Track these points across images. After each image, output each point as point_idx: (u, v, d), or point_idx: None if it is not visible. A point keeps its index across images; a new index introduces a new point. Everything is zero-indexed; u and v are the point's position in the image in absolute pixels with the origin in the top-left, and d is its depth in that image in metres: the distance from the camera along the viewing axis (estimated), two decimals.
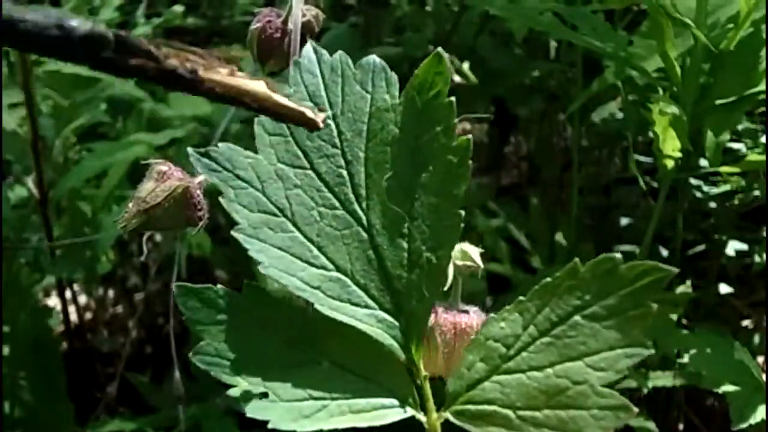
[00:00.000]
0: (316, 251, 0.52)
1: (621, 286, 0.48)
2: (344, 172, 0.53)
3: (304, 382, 0.51)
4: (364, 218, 0.53)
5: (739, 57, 0.85)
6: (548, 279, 0.50)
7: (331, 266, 0.52)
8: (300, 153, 0.52)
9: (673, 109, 0.83)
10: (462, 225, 0.51)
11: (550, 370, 0.49)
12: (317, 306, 0.51)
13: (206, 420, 1.08)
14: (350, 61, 0.53)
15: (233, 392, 0.50)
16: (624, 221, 1.24)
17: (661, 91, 0.90)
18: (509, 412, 0.49)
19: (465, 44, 1.38)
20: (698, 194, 1.04)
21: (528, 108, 1.41)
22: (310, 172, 0.52)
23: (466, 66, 1.47)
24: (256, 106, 0.37)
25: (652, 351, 0.48)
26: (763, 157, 0.86)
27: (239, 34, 1.49)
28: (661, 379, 0.98)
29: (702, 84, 0.87)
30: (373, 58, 0.53)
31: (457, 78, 1.52)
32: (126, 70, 0.34)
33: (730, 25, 0.86)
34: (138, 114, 1.23)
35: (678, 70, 0.86)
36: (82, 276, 1.20)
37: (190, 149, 0.51)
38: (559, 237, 1.20)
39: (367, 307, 0.52)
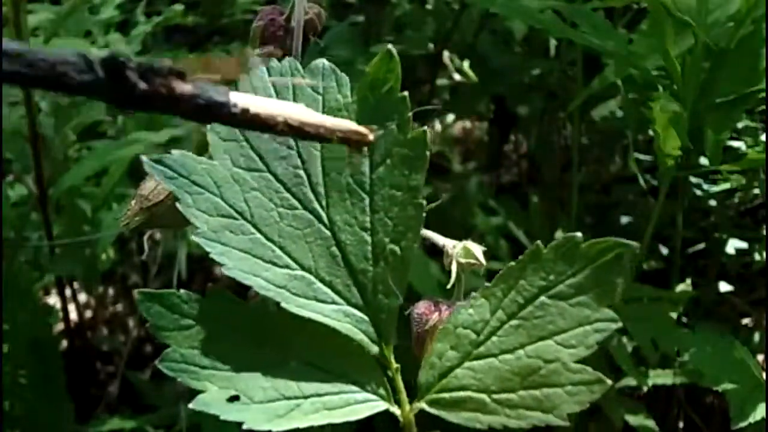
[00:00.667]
0: (278, 251, 0.52)
1: (584, 264, 0.49)
2: (301, 172, 0.53)
3: (275, 383, 0.51)
4: (324, 215, 0.53)
5: (739, 55, 0.85)
6: (512, 263, 0.51)
7: (294, 265, 0.52)
8: (255, 156, 0.53)
9: (674, 108, 0.83)
10: (423, 215, 0.52)
11: (521, 352, 0.50)
12: (283, 305, 0.51)
13: (206, 419, 1.08)
14: (299, 66, 0.54)
15: (203, 398, 0.50)
16: (624, 219, 1.24)
17: (661, 89, 0.90)
18: (484, 397, 0.50)
19: (465, 43, 1.38)
20: (698, 192, 1.04)
21: (528, 106, 1.41)
22: (267, 174, 0.53)
23: (466, 64, 1.47)
24: (301, 128, 0.34)
25: (620, 324, 0.49)
26: (763, 156, 0.86)
27: (239, 33, 1.49)
28: (661, 377, 0.98)
29: (702, 82, 0.87)
30: (322, 62, 0.54)
31: (457, 76, 1.52)
32: (154, 98, 0.31)
33: (731, 24, 0.86)
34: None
35: (678, 68, 0.86)
36: (82, 274, 1.20)
37: (143, 157, 0.51)
38: (559, 235, 1.20)
39: (333, 303, 0.53)
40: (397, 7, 1.39)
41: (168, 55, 1.39)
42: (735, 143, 0.98)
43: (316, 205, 0.53)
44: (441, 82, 1.50)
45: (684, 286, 1.01)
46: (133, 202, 0.53)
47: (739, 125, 0.98)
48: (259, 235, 0.52)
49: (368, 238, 0.53)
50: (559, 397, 0.48)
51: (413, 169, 0.52)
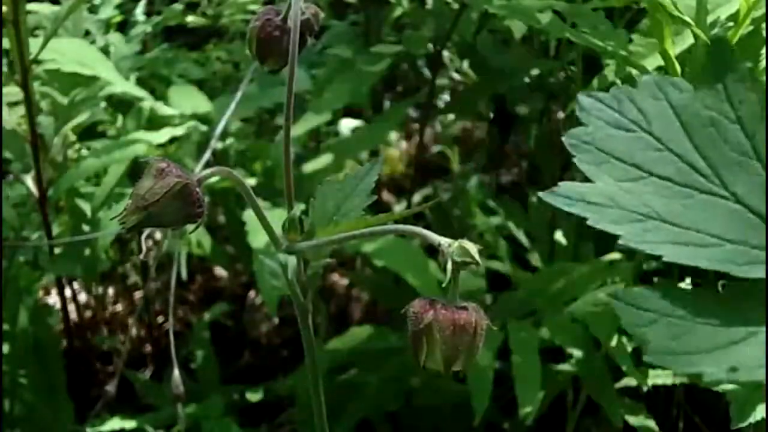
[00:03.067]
0: None
1: None
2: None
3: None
4: None
5: (739, 55, 0.85)
6: None
7: None
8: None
9: None
10: None
11: None
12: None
13: (205, 419, 1.09)
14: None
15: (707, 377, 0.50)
16: None
17: None
18: None
19: (465, 43, 1.38)
20: None
21: (528, 106, 1.41)
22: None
23: (465, 64, 1.47)
24: None
25: None
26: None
27: (239, 33, 1.49)
28: (661, 377, 0.98)
29: None
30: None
31: (457, 76, 1.52)
32: None
33: (730, 24, 0.85)
34: (137, 112, 1.23)
35: (678, 68, 0.86)
36: (82, 274, 1.20)
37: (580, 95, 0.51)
38: (558, 235, 1.20)
39: None
40: (397, 7, 1.39)
41: (168, 55, 1.39)
42: None
43: None
44: (441, 82, 1.50)
45: (684, 286, 1.01)
46: (129, 202, 0.52)
47: None
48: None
49: None
50: None
51: None
